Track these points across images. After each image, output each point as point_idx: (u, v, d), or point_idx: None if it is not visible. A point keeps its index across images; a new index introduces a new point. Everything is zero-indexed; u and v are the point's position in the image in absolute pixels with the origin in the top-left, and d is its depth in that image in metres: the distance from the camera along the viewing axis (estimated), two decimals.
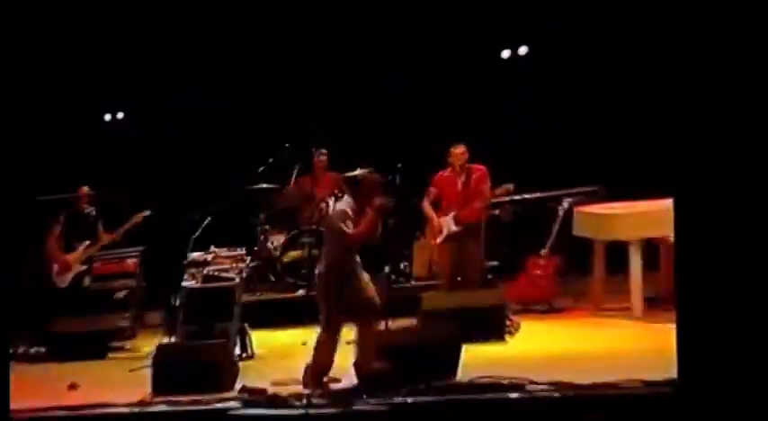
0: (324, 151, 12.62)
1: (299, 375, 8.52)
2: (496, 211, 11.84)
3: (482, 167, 11.10)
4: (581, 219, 11.22)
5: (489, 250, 11.33)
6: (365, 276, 8.58)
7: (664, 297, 10.44)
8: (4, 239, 7.51)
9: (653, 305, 10.61)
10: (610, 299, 11.18)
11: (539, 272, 11.54)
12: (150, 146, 14.04)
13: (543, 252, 11.59)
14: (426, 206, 11.20)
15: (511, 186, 11.11)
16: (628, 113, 12.44)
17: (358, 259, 8.56)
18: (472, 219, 11.04)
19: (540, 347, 9.71)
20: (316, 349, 8.49)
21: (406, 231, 12.05)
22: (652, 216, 10.25)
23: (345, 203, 8.61)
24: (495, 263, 11.68)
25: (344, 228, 8.44)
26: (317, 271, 8.73)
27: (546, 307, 11.49)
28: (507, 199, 11.57)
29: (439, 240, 11.09)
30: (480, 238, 11.08)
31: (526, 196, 11.82)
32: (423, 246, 12.04)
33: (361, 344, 8.56)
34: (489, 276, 11.45)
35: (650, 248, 10.74)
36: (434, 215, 11.14)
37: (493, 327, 9.95)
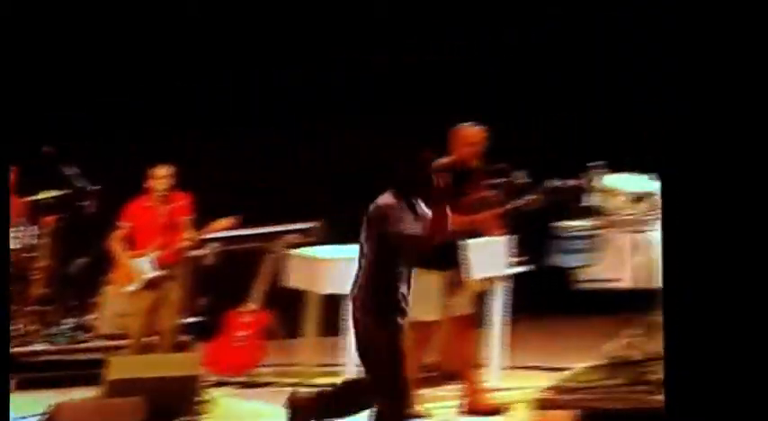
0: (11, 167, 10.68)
1: None
2: (206, 251, 10.21)
3: (186, 195, 9.67)
4: (292, 265, 9.87)
5: (188, 302, 10.03)
6: None
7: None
8: None
9: None
10: (325, 370, 9.81)
11: (241, 332, 10.07)
12: None
13: (248, 306, 10.16)
14: (115, 245, 9.73)
15: (229, 220, 9.66)
16: None
17: None
18: (174, 260, 9.70)
19: None
20: None
21: (93, 276, 10.50)
22: None
23: None
24: (194, 318, 10.29)
25: (404, 229, 6.38)
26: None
27: (247, 378, 9.93)
28: (216, 236, 9.94)
29: (132, 289, 9.66)
30: (183, 287, 9.79)
31: (234, 233, 9.98)
32: (113, 294, 10.27)
33: None
34: (188, 336, 10.10)
35: None
36: (124, 256, 9.69)
37: (183, 404, 8.48)
